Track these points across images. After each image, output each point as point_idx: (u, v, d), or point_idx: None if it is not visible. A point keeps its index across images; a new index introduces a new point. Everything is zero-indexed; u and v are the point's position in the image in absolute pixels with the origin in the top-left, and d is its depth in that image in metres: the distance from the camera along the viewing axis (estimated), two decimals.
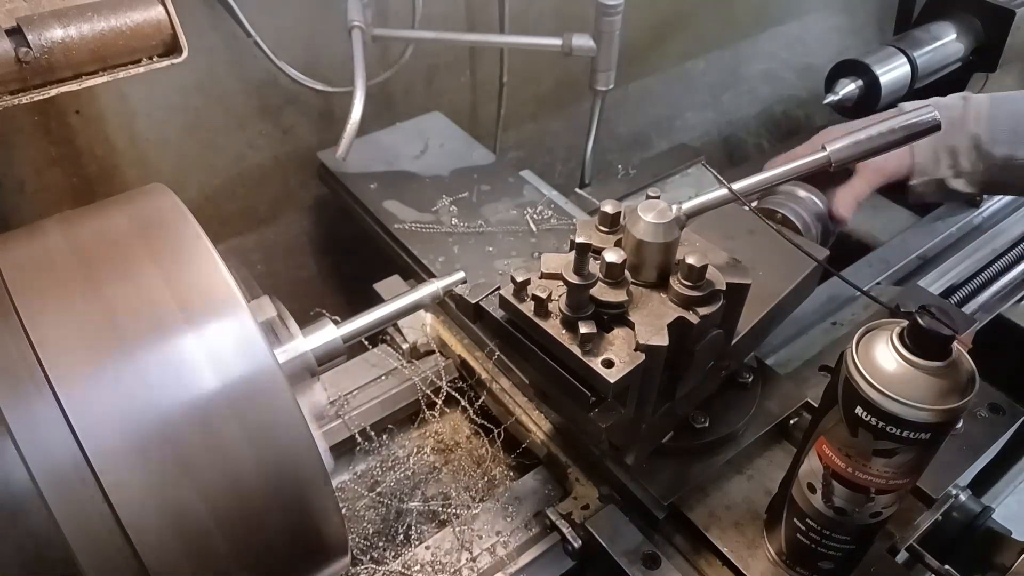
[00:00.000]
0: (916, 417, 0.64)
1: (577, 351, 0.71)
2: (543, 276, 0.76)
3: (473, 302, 0.80)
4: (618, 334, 0.73)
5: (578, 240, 0.70)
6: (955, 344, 0.65)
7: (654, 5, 1.72)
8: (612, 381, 0.69)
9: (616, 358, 0.71)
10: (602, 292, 0.73)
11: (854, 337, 0.69)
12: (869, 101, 1.38)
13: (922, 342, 0.64)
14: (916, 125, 0.76)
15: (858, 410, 0.67)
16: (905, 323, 0.67)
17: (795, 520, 0.79)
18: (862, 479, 0.71)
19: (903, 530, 0.89)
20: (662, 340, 0.71)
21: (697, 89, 1.98)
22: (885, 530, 0.88)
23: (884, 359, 0.66)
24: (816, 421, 0.74)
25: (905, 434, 0.65)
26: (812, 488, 0.76)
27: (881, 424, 0.66)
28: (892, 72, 1.38)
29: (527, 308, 0.75)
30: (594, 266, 0.73)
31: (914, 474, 0.71)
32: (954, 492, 0.94)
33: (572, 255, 0.71)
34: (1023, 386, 1.06)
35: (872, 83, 1.36)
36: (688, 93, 1.96)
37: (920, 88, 1.42)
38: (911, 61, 1.39)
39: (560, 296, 0.73)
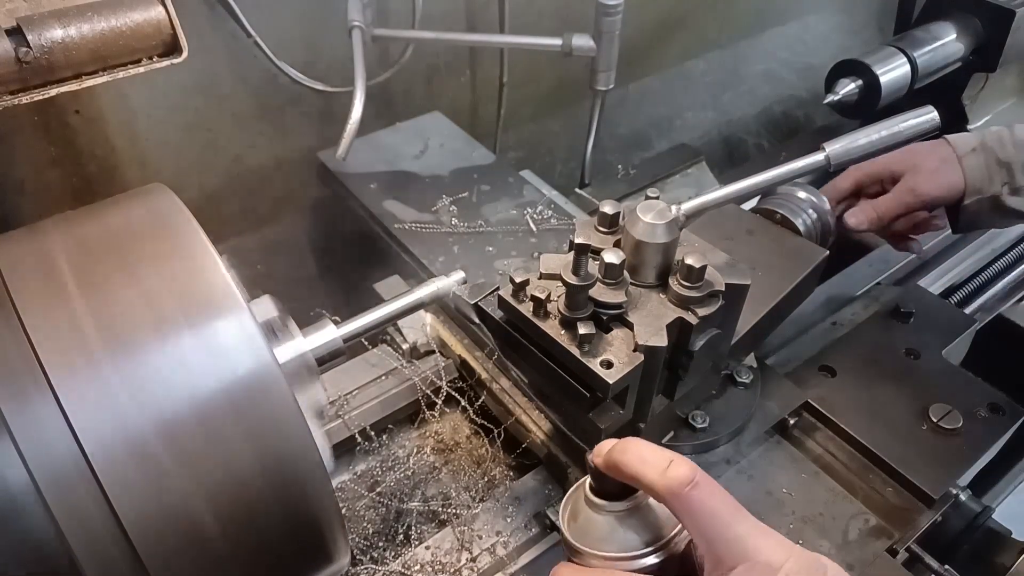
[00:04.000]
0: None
1: (576, 351, 0.71)
2: (542, 276, 0.76)
3: (472, 302, 0.80)
4: (617, 334, 0.73)
5: (577, 241, 0.70)
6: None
7: (654, 5, 1.72)
8: (611, 382, 0.69)
9: (615, 358, 0.71)
10: (601, 292, 0.73)
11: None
12: (869, 101, 1.38)
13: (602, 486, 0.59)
14: (915, 125, 0.76)
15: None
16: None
17: None
18: None
19: (903, 530, 0.89)
20: (661, 340, 0.72)
21: (697, 89, 1.98)
22: (885, 530, 0.88)
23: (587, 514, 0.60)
24: None
25: None
26: None
27: None
28: (892, 72, 1.37)
29: (526, 309, 0.75)
30: (593, 266, 0.73)
31: None
32: (954, 492, 0.94)
33: (571, 256, 0.71)
34: (1023, 386, 1.06)
35: (872, 83, 1.36)
36: (688, 93, 1.96)
37: (920, 88, 1.42)
38: (911, 61, 1.39)
39: (559, 297, 0.73)
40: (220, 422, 0.55)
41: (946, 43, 1.45)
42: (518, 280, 0.74)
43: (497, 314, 0.79)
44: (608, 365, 0.70)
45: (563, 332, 0.73)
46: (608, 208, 0.78)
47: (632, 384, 0.73)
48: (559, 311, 0.73)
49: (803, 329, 1.15)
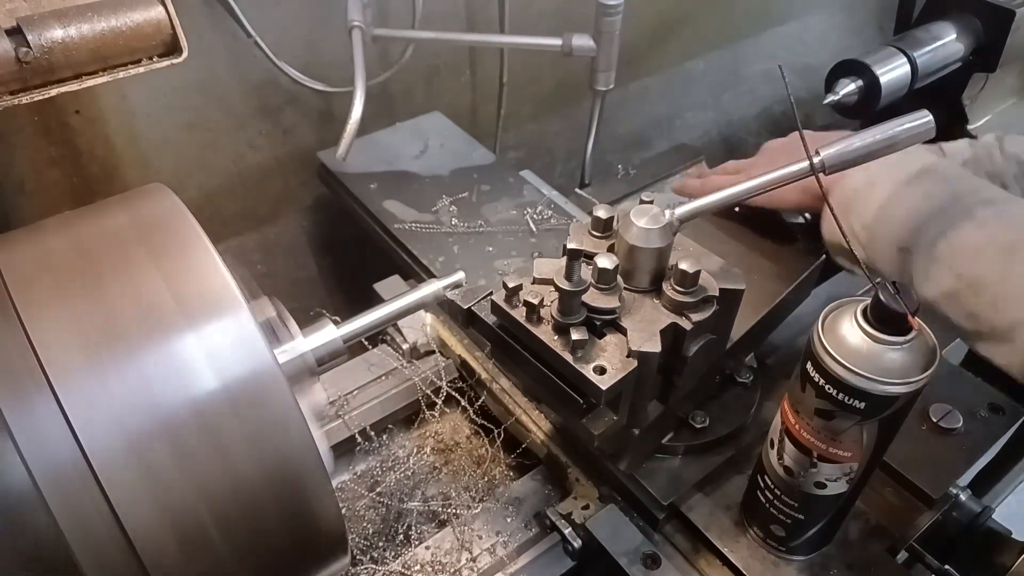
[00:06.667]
0: (852, 381, 0.66)
1: (569, 358, 0.71)
2: (535, 281, 0.75)
3: (465, 307, 0.80)
4: (610, 340, 0.73)
5: (569, 246, 0.69)
6: (916, 335, 0.66)
7: (654, 5, 1.72)
8: (604, 388, 0.68)
9: (608, 364, 0.70)
10: (594, 298, 0.72)
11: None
12: (869, 101, 1.37)
13: (878, 315, 0.66)
14: (911, 129, 0.76)
15: (808, 365, 0.70)
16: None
17: (757, 476, 0.83)
18: (805, 439, 0.73)
19: (903, 530, 0.89)
20: (654, 346, 0.71)
21: (697, 89, 1.98)
22: (885, 530, 0.88)
23: (845, 326, 0.68)
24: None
25: (840, 396, 0.67)
26: (772, 444, 0.79)
27: (822, 381, 0.68)
28: (892, 72, 1.37)
29: (519, 314, 0.74)
30: (586, 271, 0.73)
31: (855, 450, 0.72)
32: (954, 492, 0.94)
33: (564, 261, 0.71)
34: (1023, 386, 1.06)
35: (872, 83, 1.36)
36: (688, 93, 1.96)
37: (920, 88, 1.42)
38: (911, 61, 1.39)
39: (552, 302, 0.73)
40: (220, 422, 0.55)
41: (946, 43, 1.45)
42: (511, 285, 0.74)
43: (490, 319, 0.78)
44: (601, 371, 0.70)
45: (556, 338, 0.72)
46: (602, 212, 0.78)
47: (626, 390, 0.73)
48: (552, 316, 0.72)
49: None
